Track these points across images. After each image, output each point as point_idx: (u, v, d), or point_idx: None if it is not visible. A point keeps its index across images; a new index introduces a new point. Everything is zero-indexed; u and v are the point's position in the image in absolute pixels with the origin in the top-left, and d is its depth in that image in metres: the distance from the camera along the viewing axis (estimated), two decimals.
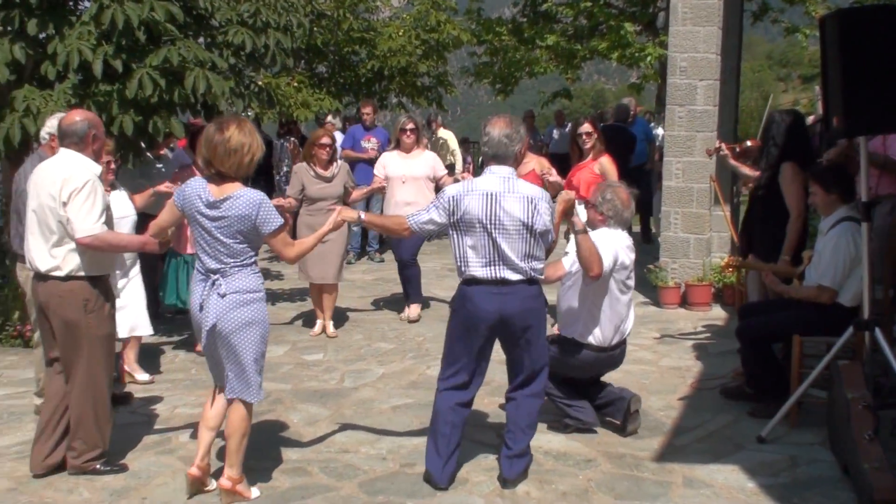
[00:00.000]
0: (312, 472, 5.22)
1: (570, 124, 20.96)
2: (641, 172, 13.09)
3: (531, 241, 4.75)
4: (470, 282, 4.82)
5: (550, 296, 5.24)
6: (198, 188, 4.66)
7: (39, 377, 5.98)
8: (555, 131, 19.63)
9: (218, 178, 4.65)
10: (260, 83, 9.97)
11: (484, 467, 5.21)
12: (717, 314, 9.09)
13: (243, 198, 4.60)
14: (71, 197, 4.88)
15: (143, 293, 6.94)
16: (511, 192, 4.74)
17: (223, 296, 4.63)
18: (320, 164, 8.31)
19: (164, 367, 7.43)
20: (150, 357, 7.58)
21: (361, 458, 5.42)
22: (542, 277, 4.94)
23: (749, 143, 7.60)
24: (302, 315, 9.20)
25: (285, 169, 13.68)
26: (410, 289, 9.10)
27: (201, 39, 8.51)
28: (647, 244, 12.92)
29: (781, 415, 5.66)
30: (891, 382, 5.70)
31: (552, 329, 8.06)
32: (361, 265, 12.26)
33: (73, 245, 4.97)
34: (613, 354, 5.68)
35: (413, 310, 9.02)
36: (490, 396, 6.28)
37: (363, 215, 5.11)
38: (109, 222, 5.15)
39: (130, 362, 6.99)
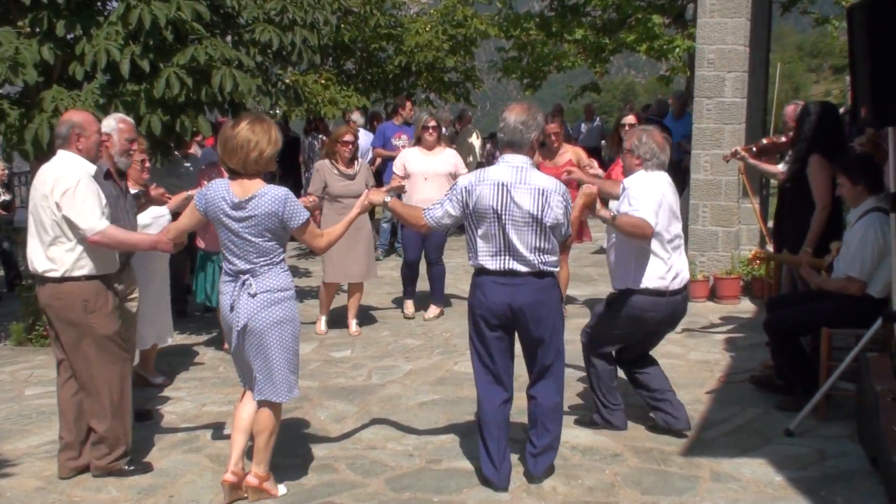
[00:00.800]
0: (339, 469, 5.23)
1: (597, 118, 21.07)
2: (678, 170, 12.96)
3: (541, 233, 4.70)
4: (481, 272, 4.81)
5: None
6: (221, 190, 4.63)
7: None
8: (583, 125, 19.55)
9: (239, 177, 4.62)
10: (287, 81, 9.99)
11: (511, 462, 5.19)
12: (746, 307, 9.03)
13: (268, 195, 4.58)
14: (64, 197, 4.85)
15: (168, 301, 6.96)
16: (523, 184, 4.69)
17: (254, 295, 4.61)
18: (343, 161, 8.31)
19: (193, 365, 7.48)
20: (178, 355, 7.66)
21: (388, 455, 5.43)
22: (556, 270, 4.88)
23: (764, 142, 7.66)
24: (331, 312, 9.22)
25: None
26: (435, 288, 9.11)
27: (228, 38, 8.56)
28: None
29: (810, 408, 5.62)
30: None
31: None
32: (390, 262, 12.27)
33: (68, 245, 4.93)
34: (674, 300, 5.44)
35: (431, 310, 9.02)
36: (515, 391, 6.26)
37: (388, 199, 5.08)
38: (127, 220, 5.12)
39: (146, 367, 6.95)
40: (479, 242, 4.77)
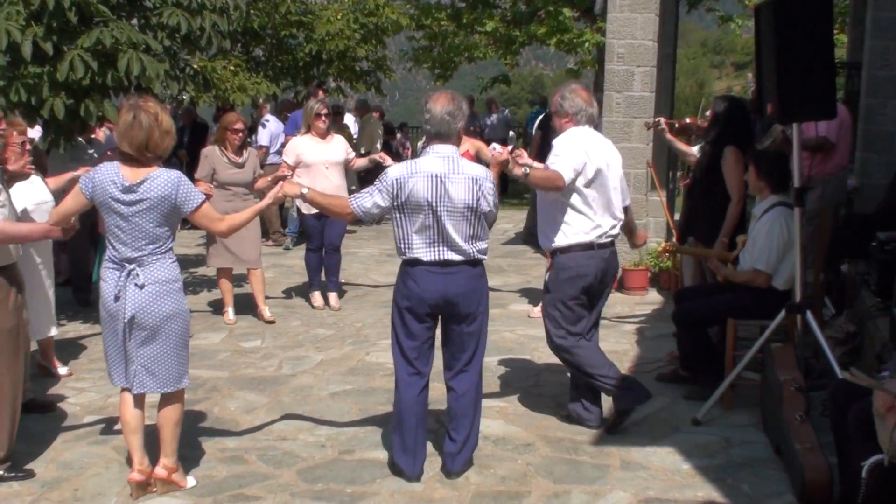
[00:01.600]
0: (250, 461, 5.16)
1: (506, 110, 21.33)
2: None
3: (476, 222, 4.71)
4: (413, 262, 4.76)
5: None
6: (110, 174, 4.47)
7: None
8: (488, 118, 20.16)
9: (132, 161, 4.48)
10: (195, 66, 9.79)
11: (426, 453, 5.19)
12: (654, 298, 9.20)
13: (160, 178, 4.45)
14: None
15: (52, 292, 6.55)
16: (456, 174, 4.67)
17: (141, 287, 4.47)
18: (232, 148, 8.20)
19: (96, 356, 7.27)
20: (82, 346, 7.46)
21: (300, 446, 5.38)
22: (486, 258, 4.89)
23: (688, 120, 7.80)
24: (236, 298, 9.07)
25: None
26: (332, 275, 9.03)
27: (135, 21, 8.34)
28: None
29: (716, 397, 5.74)
30: (821, 364, 5.84)
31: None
32: (299, 250, 12.15)
33: None
34: (602, 254, 5.44)
35: (334, 298, 8.94)
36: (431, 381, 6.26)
37: (306, 190, 4.98)
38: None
39: (46, 357, 6.70)
40: (413, 234, 4.72)
